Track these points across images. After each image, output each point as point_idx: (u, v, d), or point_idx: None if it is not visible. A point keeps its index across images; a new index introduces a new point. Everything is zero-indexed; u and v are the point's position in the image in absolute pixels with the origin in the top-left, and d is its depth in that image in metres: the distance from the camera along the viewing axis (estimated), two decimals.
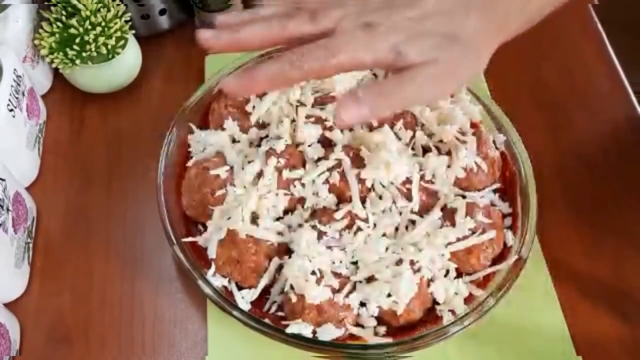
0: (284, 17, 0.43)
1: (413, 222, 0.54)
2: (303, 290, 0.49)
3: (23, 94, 0.59)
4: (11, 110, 0.56)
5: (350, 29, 0.41)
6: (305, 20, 0.42)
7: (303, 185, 0.54)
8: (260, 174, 0.54)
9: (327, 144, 0.57)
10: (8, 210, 0.52)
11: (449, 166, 0.56)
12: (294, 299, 0.50)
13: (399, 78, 0.41)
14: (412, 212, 0.54)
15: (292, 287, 0.50)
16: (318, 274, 0.50)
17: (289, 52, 0.42)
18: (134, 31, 0.66)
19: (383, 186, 0.54)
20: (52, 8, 0.63)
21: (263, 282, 0.52)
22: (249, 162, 0.55)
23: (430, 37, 0.41)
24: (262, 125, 0.59)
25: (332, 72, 0.41)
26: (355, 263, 0.52)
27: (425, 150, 0.58)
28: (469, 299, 0.52)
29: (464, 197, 0.56)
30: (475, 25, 0.42)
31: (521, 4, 0.44)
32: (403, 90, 0.41)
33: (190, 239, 0.53)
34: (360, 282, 0.51)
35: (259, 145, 0.57)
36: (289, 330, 0.49)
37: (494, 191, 0.59)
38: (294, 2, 0.44)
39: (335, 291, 0.50)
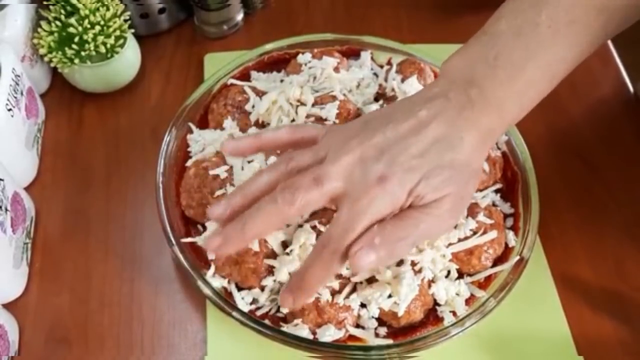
0: (287, 193, 0.41)
1: None
2: None
3: (22, 94, 0.59)
4: (10, 109, 0.56)
5: (362, 190, 0.40)
6: (310, 186, 0.41)
7: None
8: None
9: None
10: (6, 210, 0.51)
11: None
12: None
13: (413, 219, 0.41)
14: None
15: None
16: None
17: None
18: (133, 30, 0.65)
19: None
20: (51, 7, 0.62)
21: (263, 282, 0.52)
22: (249, 162, 0.55)
23: (439, 171, 0.41)
24: (262, 125, 0.59)
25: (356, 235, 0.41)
26: None
27: None
28: (470, 300, 0.52)
29: None
30: (470, 143, 0.42)
31: (517, 97, 0.44)
32: (420, 230, 0.41)
33: (189, 239, 0.53)
34: (361, 283, 0.51)
35: None
36: (288, 332, 0.49)
37: (496, 191, 0.58)
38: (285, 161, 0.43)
39: (335, 292, 0.50)
